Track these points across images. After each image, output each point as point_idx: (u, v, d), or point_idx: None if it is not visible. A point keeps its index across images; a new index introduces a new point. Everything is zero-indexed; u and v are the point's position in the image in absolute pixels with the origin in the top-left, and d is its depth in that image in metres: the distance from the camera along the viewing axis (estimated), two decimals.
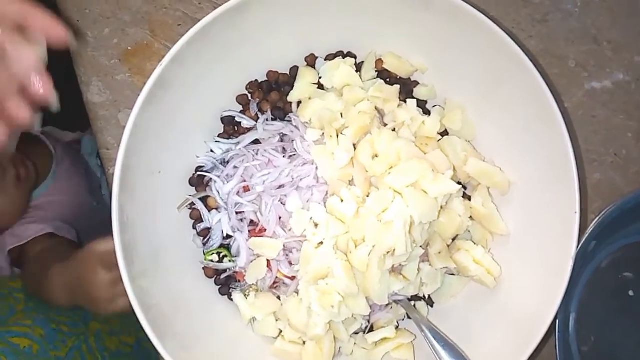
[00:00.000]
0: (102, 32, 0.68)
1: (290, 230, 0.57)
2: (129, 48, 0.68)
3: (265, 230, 0.58)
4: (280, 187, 0.58)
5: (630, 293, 0.68)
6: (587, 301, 0.67)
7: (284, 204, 0.58)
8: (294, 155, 0.60)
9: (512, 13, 0.71)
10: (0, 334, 0.74)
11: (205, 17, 0.52)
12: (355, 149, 0.58)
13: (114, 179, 0.51)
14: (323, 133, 0.58)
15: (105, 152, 0.67)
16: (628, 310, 0.68)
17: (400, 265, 0.56)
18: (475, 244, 0.60)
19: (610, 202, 0.63)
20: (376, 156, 0.57)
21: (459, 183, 0.61)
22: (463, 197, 0.62)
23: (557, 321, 0.59)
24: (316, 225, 0.56)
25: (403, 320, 0.63)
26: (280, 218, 0.58)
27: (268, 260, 0.58)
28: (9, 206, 0.86)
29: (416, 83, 0.64)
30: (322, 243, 0.54)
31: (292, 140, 0.60)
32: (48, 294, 0.78)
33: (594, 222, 0.63)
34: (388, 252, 0.52)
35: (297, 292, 0.57)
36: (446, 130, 0.62)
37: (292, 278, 0.58)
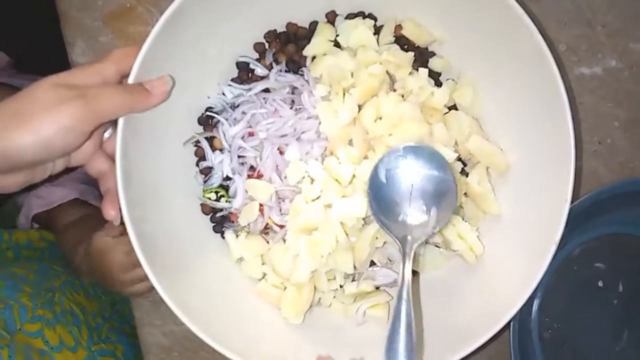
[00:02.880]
0: None
1: (285, 178, 0.59)
2: (112, 11, 0.67)
3: (263, 176, 0.60)
4: (282, 136, 0.60)
5: (600, 284, 0.67)
6: (553, 288, 0.66)
7: (283, 154, 0.60)
8: (300, 108, 0.61)
9: None
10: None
11: None
12: (360, 110, 0.59)
13: None
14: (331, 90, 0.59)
15: None
16: (596, 300, 0.67)
17: None
18: (464, 220, 0.61)
19: (589, 191, 0.62)
20: (380, 119, 0.58)
21: (459, 159, 0.62)
22: (461, 173, 0.62)
23: None
24: (312, 180, 0.58)
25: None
26: (277, 166, 0.60)
27: (261, 206, 0.60)
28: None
29: (432, 54, 0.63)
30: (315, 199, 0.56)
31: (301, 94, 0.61)
32: (76, 268, 0.84)
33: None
34: None
35: (284, 240, 0.59)
36: (455, 105, 0.63)
37: (281, 226, 0.60)
